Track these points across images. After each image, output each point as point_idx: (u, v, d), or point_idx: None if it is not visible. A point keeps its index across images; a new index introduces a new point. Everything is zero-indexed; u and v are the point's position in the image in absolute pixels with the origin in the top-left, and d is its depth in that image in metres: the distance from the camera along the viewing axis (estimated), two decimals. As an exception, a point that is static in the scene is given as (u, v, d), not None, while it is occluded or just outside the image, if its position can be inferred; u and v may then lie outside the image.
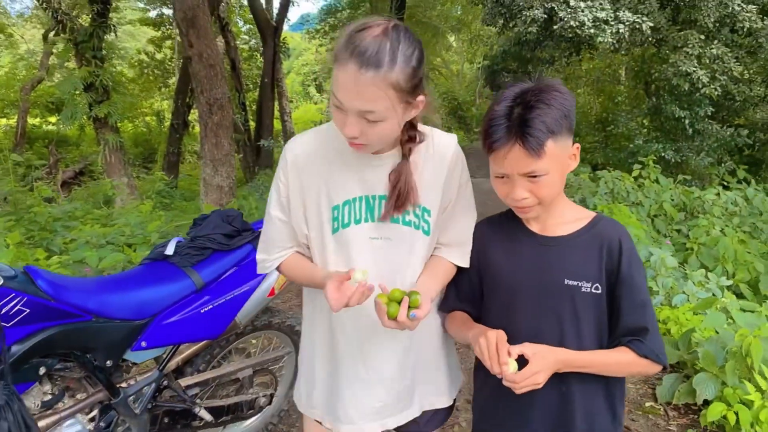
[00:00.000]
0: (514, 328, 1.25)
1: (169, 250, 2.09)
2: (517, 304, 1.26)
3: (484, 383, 1.40)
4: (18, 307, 1.64)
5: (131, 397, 1.98)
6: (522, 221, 1.32)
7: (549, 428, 1.28)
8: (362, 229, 1.34)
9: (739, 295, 5.01)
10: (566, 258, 1.24)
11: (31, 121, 21.38)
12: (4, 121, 22.91)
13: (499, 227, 1.37)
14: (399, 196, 1.31)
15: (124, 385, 2.00)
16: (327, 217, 1.35)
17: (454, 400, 1.56)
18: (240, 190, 9.97)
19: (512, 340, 1.19)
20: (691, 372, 3.08)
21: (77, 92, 12.12)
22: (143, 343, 1.95)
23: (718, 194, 7.47)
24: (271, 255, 1.45)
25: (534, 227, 1.30)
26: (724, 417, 2.63)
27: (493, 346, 1.14)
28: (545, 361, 1.14)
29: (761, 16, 9.63)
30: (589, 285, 1.22)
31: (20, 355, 1.65)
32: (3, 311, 1.60)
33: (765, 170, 12.27)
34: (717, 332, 3.13)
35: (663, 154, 9.65)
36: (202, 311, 2.03)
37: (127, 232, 5.07)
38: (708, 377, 2.85)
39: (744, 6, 9.14)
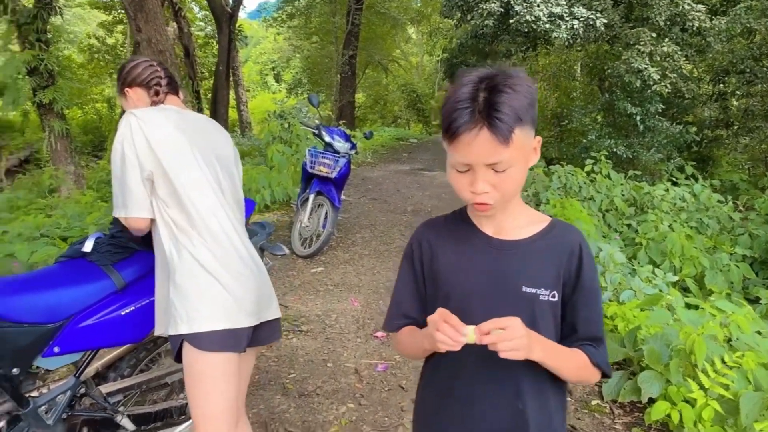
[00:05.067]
0: None
1: (87, 247, 1.92)
2: (471, 312, 1.13)
3: (428, 390, 1.29)
4: None
5: (42, 407, 1.82)
6: (473, 223, 1.21)
7: None
8: None
9: (686, 290, 5.10)
10: (524, 264, 1.16)
11: (-30, 105, 20.36)
12: (-61, 105, 21.77)
13: (447, 230, 1.25)
14: None
15: (35, 393, 1.83)
16: None
17: None
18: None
19: (466, 349, 1.09)
20: (637, 369, 3.08)
21: (20, 76, 11.58)
22: (56, 349, 1.78)
23: (666, 190, 7.61)
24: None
25: (487, 230, 1.20)
26: (668, 415, 2.63)
27: (446, 323, 1.04)
28: (523, 330, 1.04)
29: (710, 15, 9.87)
30: (547, 293, 1.15)
31: None
32: None
33: (712, 167, 12.65)
34: (662, 329, 3.13)
35: (615, 150, 9.81)
36: (122, 313, 1.88)
37: (64, 224, 4.82)
38: (653, 375, 2.85)
39: (693, 5, 9.34)
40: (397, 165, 11.65)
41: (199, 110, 16.34)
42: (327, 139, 5.36)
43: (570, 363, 1.17)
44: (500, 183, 1.06)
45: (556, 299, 1.15)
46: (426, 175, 10.23)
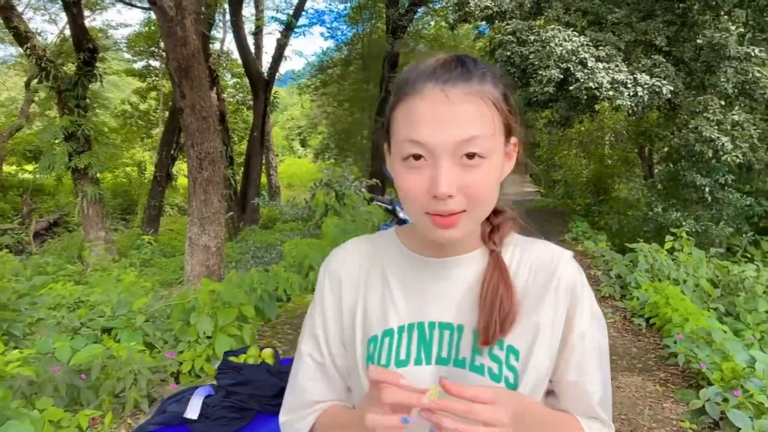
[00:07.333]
0: None
1: (192, 412, 1.30)
2: None
3: None
4: None
5: None
6: None
7: None
8: (410, 373, 0.82)
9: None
10: None
11: (6, 168, 20.48)
12: (-24, 168, 21.95)
13: None
14: (494, 321, 0.83)
15: None
16: (361, 354, 0.90)
17: None
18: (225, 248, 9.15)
19: None
20: None
21: (57, 141, 11.47)
22: None
23: (758, 270, 6.86)
24: (298, 414, 0.94)
25: None
26: None
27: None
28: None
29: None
30: None
31: None
32: None
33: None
34: None
35: (684, 223, 9.12)
36: None
37: (107, 311, 4.22)
38: None
39: (764, 73, 8.85)
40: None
41: (232, 175, 16.11)
42: (402, 215, 4.83)
43: None
44: None
45: None
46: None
